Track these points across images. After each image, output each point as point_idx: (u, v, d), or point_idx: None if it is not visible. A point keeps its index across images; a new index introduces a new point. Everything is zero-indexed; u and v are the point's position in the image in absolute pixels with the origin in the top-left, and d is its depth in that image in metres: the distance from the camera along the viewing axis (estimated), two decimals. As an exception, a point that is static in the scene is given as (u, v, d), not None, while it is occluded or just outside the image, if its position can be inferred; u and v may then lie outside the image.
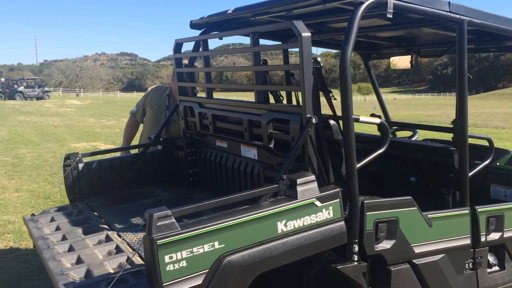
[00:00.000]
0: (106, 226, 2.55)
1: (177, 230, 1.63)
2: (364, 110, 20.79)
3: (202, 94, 3.26)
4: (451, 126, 2.61)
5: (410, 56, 3.68)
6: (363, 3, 2.02)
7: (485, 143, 2.98)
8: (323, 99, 2.18)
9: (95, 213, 2.82)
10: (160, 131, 3.43)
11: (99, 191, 3.11)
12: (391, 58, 3.87)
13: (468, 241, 2.47)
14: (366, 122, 2.24)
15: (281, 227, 1.84)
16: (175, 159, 3.35)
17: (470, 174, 2.50)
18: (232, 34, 2.84)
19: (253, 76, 2.51)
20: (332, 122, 2.24)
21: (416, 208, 2.23)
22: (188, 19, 3.00)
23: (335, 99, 2.19)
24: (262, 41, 2.55)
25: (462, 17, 2.37)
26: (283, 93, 3.30)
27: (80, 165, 3.03)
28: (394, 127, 3.84)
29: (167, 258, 1.59)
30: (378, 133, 2.62)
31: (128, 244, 2.27)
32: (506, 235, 2.64)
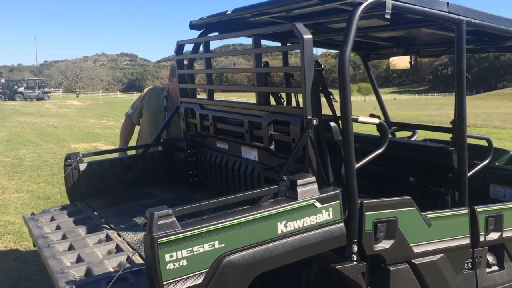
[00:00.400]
0: (106, 226, 2.56)
1: (177, 229, 1.64)
2: (364, 110, 20.79)
3: (202, 95, 3.27)
4: (450, 126, 2.61)
5: (409, 56, 3.68)
6: (361, 3, 2.03)
7: (484, 143, 2.99)
8: (323, 100, 2.19)
9: (95, 213, 2.82)
10: (161, 132, 3.43)
11: (99, 191, 3.12)
12: (391, 59, 3.87)
13: (467, 241, 2.48)
14: (365, 122, 2.25)
15: (281, 227, 1.85)
16: (175, 160, 3.36)
17: (469, 174, 2.50)
18: (234, 36, 2.85)
19: (253, 77, 2.52)
20: (332, 123, 2.25)
21: (415, 208, 2.24)
22: (188, 19, 3.01)
23: (336, 101, 2.20)
24: (262, 42, 2.56)
25: (460, 17, 2.37)
26: (283, 94, 3.31)
27: (81, 165, 3.03)
28: (394, 128, 3.85)
29: (167, 257, 1.60)
30: (377, 134, 2.63)
31: (128, 244, 2.28)
32: (505, 235, 2.65)
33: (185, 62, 3.32)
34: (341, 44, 2.00)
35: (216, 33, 3.10)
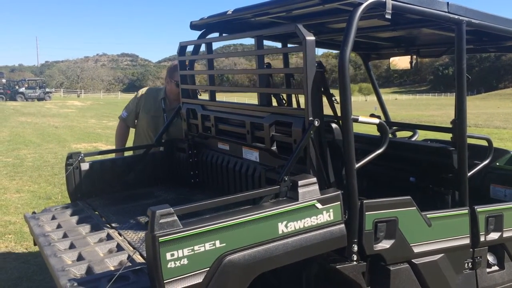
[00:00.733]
0: (107, 225, 2.57)
1: (179, 228, 1.64)
2: (365, 110, 20.78)
3: (204, 96, 3.27)
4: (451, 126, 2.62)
5: (409, 56, 3.69)
6: (361, 4, 2.03)
7: (485, 143, 2.99)
8: (324, 100, 2.19)
9: (96, 212, 2.83)
10: (162, 133, 3.43)
11: (100, 190, 3.12)
12: (391, 59, 3.88)
13: (467, 241, 2.48)
14: (365, 122, 2.25)
15: (281, 228, 1.85)
16: (176, 161, 3.37)
17: (469, 174, 2.50)
18: (237, 37, 2.86)
19: (255, 78, 2.52)
20: (334, 125, 2.26)
21: (415, 208, 2.24)
22: (189, 20, 3.01)
23: (337, 102, 2.21)
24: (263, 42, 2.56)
25: (460, 17, 2.38)
26: (284, 95, 3.31)
27: (82, 165, 3.04)
28: (394, 128, 3.85)
29: (168, 256, 1.61)
30: (378, 133, 2.63)
31: (129, 243, 2.29)
32: (505, 235, 2.65)
33: (187, 63, 3.33)
34: (341, 44, 2.01)
35: (217, 34, 3.11)
